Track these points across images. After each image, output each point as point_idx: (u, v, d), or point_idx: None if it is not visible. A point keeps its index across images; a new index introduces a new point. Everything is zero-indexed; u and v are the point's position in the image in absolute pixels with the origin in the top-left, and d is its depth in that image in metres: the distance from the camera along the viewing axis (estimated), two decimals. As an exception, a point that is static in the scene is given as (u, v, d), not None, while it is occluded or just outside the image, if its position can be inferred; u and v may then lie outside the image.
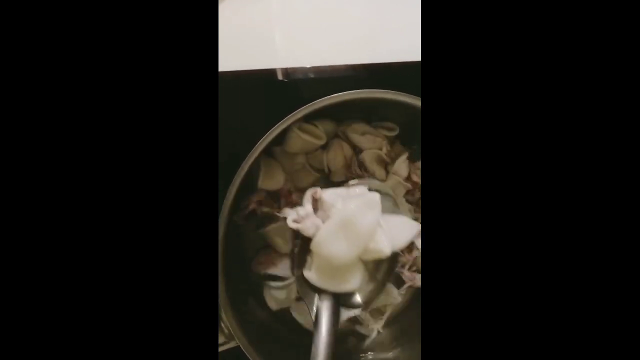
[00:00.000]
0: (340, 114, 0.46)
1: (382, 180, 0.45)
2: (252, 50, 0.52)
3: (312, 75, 0.53)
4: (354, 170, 0.46)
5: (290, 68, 0.53)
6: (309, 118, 0.43)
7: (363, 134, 0.46)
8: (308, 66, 0.53)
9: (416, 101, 0.41)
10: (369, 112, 0.47)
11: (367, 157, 0.46)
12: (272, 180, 0.44)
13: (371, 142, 0.46)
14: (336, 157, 0.46)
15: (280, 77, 0.53)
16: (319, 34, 0.53)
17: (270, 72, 0.52)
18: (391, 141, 0.47)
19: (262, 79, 0.52)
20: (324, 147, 0.46)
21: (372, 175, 0.45)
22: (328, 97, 0.39)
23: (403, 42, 0.53)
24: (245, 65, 0.51)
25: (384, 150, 0.45)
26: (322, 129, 0.45)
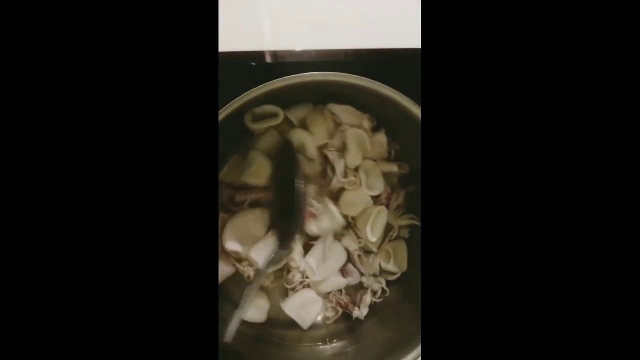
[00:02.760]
0: (319, 99, 0.45)
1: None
2: (242, 32, 0.51)
3: (303, 60, 0.51)
4: (334, 142, 0.45)
5: (279, 51, 0.51)
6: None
7: (347, 111, 0.45)
8: (298, 49, 0.51)
9: (394, 94, 0.39)
10: (350, 98, 0.45)
11: (350, 135, 0.45)
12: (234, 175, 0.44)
13: (354, 117, 0.44)
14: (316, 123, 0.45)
15: (268, 59, 0.51)
16: (312, 18, 0.51)
17: (259, 55, 0.51)
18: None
19: (250, 60, 0.50)
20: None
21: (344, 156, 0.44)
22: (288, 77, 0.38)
23: (402, 28, 0.49)
24: (235, 47, 0.50)
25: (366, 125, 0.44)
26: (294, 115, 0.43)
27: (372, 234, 0.43)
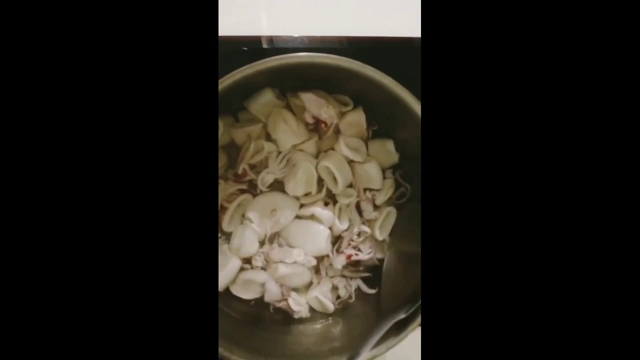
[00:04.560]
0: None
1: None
2: (238, 17, 0.51)
3: (297, 46, 0.51)
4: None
5: (275, 36, 0.51)
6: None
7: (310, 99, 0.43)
8: (295, 35, 0.51)
9: (375, 74, 0.38)
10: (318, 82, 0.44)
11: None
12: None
13: (315, 105, 0.43)
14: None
15: (264, 45, 0.51)
16: (310, 3, 0.50)
17: (255, 40, 0.51)
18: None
19: (245, 46, 0.50)
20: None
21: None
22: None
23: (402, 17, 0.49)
24: (230, 32, 0.50)
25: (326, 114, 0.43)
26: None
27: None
